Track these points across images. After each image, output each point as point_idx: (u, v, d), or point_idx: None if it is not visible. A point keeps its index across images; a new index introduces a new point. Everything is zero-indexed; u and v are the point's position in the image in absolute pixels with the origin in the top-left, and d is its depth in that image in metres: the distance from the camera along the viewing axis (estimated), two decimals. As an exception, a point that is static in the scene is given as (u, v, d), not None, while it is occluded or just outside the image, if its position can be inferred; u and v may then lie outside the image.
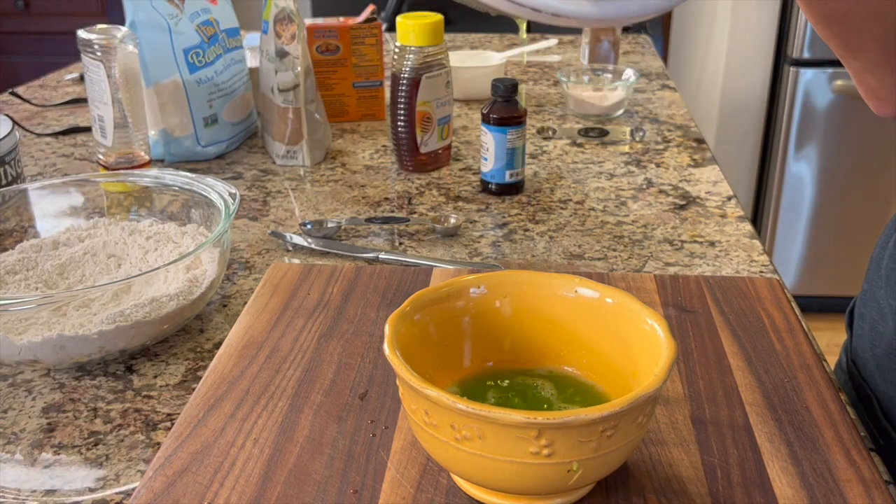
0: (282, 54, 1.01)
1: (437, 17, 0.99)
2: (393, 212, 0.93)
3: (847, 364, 0.69)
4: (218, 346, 0.67)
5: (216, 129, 1.08)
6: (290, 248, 0.84)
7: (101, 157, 0.95)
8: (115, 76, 0.90)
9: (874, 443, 0.58)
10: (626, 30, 1.81)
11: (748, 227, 0.88)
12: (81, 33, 0.90)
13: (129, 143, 0.94)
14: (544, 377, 0.53)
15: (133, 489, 0.51)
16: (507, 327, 0.54)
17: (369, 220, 0.88)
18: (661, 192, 0.97)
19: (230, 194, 0.74)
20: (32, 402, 0.61)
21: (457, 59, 1.34)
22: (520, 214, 0.91)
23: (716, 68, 2.34)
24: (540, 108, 1.30)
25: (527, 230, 0.88)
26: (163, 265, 0.64)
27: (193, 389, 0.61)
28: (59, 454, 0.55)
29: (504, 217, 0.91)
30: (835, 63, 2.10)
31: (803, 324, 0.66)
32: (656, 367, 0.45)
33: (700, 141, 1.15)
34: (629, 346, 0.50)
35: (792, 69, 2.17)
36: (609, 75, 1.29)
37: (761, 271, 0.78)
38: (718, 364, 0.60)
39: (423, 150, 1.02)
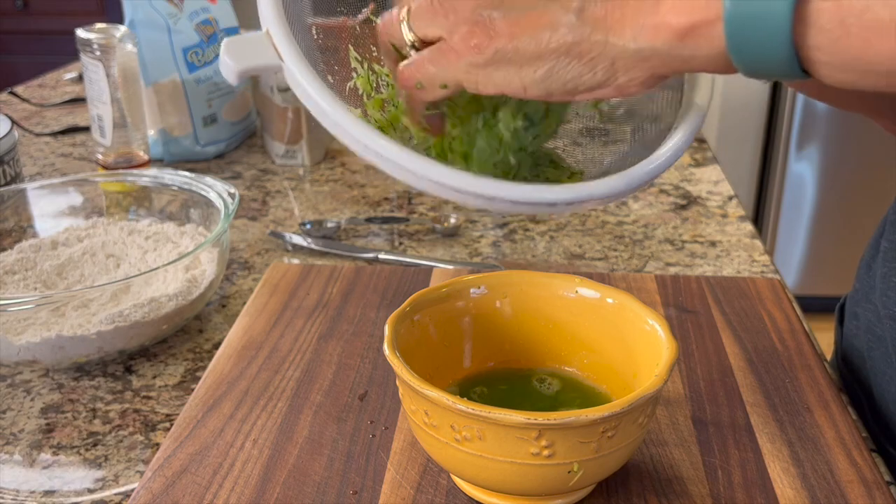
0: (281, 54, 1.01)
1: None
2: (393, 212, 0.93)
3: (837, 362, 0.69)
4: (217, 346, 0.67)
5: (215, 128, 1.07)
6: (290, 248, 0.84)
7: (99, 156, 0.95)
8: (114, 75, 0.90)
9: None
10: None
11: (749, 227, 0.88)
12: (80, 32, 0.90)
13: (128, 142, 0.94)
14: (545, 377, 0.53)
15: (132, 490, 0.51)
16: (508, 327, 0.54)
17: (369, 220, 0.88)
18: (661, 191, 0.97)
19: (229, 194, 0.74)
20: (31, 402, 0.60)
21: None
22: (520, 214, 0.91)
23: (716, 68, 2.33)
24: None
25: (527, 230, 0.87)
26: (162, 265, 0.64)
27: (192, 390, 0.60)
28: (57, 455, 0.55)
29: (504, 217, 0.91)
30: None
31: (804, 324, 0.66)
32: (657, 368, 0.45)
33: (701, 140, 1.15)
34: (630, 346, 0.50)
35: (792, 68, 2.17)
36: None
37: (762, 271, 0.78)
38: (719, 364, 0.60)
39: (423, 149, 1.02)
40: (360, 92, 0.52)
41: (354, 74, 0.53)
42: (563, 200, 0.42)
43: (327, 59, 0.52)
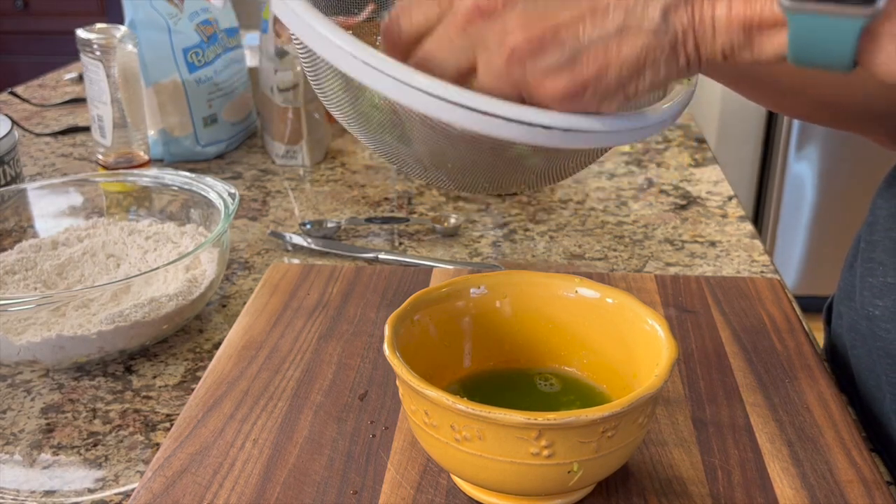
0: (281, 54, 1.01)
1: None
2: (393, 212, 0.93)
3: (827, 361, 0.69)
4: (217, 346, 0.67)
5: (215, 128, 1.07)
6: (290, 249, 0.84)
7: (100, 156, 0.95)
8: (115, 76, 0.90)
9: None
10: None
11: (749, 227, 0.88)
12: (80, 33, 0.90)
13: (129, 142, 0.94)
14: (545, 377, 0.53)
15: (132, 490, 0.51)
16: (508, 327, 0.54)
17: (369, 220, 0.88)
18: (661, 191, 0.97)
19: (229, 194, 0.74)
20: (31, 402, 0.61)
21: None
22: (520, 214, 0.91)
23: (716, 68, 2.33)
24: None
25: (527, 230, 0.87)
26: (162, 265, 0.64)
27: (193, 390, 0.60)
28: (58, 455, 0.55)
29: (504, 217, 0.91)
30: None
31: (804, 324, 0.66)
32: (657, 368, 0.45)
33: (701, 140, 1.15)
34: (630, 346, 0.50)
35: (792, 69, 2.17)
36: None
37: (762, 271, 0.78)
38: (719, 364, 0.60)
39: (423, 149, 1.02)
40: None
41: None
42: (560, 126, 0.39)
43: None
